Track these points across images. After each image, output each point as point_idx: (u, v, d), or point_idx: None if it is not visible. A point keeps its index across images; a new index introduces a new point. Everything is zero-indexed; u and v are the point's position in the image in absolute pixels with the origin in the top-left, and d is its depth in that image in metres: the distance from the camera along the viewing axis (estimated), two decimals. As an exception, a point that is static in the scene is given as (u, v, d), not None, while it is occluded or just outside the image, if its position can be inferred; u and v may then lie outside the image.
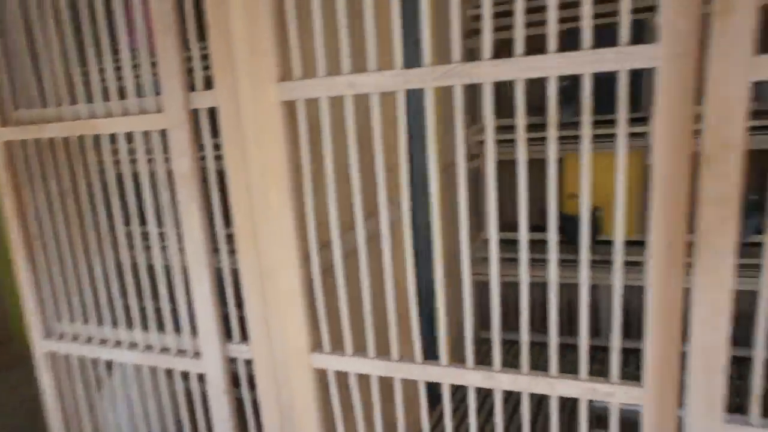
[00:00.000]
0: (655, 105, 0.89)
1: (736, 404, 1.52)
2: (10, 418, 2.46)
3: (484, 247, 2.31)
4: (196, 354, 1.42)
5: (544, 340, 1.07)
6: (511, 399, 2.01)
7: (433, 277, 1.14)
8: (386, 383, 1.28)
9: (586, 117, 0.95)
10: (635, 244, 1.84)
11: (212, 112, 1.25)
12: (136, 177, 1.40)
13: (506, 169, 1.94)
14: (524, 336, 1.09)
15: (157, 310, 1.48)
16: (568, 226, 1.98)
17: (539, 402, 1.99)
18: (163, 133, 1.31)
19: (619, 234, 0.98)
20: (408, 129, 1.28)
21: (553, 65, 0.93)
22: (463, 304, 1.13)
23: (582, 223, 1.00)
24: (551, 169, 1.00)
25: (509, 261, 2.09)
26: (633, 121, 1.88)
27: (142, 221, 1.41)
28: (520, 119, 0.98)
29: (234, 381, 1.42)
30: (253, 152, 1.19)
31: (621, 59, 0.89)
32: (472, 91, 2.10)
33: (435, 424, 1.80)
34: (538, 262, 1.99)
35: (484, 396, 2.00)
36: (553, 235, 1.03)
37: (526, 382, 1.09)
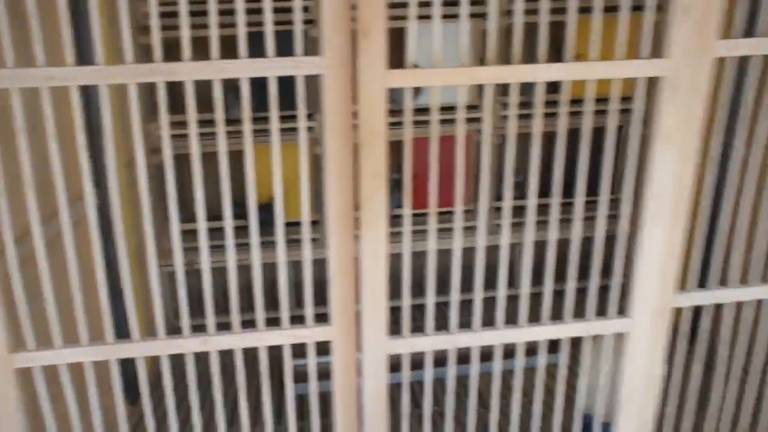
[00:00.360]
0: (323, 104, 1.16)
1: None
2: None
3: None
4: None
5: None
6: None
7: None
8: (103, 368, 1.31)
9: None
10: (315, 223, 2.17)
11: None
12: None
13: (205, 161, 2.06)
14: (234, 309, 1.26)
15: None
16: (262, 214, 2.21)
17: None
18: None
19: (304, 215, 1.23)
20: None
21: (245, 68, 1.12)
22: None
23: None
24: (248, 160, 1.20)
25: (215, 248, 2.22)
26: (305, 117, 2.20)
27: None
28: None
29: None
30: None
31: (297, 67, 1.13)
32: (150, 89, 2.15)
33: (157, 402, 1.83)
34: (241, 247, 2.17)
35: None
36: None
37: (239, 339, 1.27)
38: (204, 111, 1.25)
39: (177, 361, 1.28)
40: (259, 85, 1.17)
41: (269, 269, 2.74)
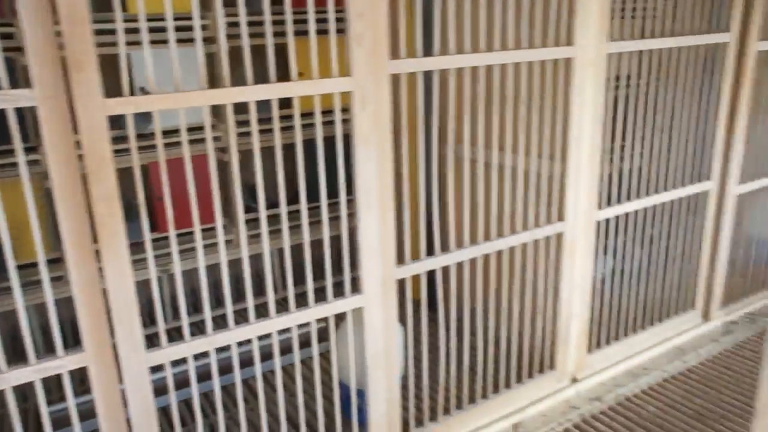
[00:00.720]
0: (43, 136, 1.18)
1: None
2: None
3: None
4: None
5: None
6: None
7: None
8: None
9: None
10: (56, 261, 2.07)
11: None
12: None
13: None
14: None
15: None
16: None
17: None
18: None
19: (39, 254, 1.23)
20: None
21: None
22: None
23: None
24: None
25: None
26: (29, 150, 2.09)
27: None
28: None
29: None
30: None
31: (4, 100, 1.13)
32: None
33: None
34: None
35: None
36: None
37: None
38: None
39: None
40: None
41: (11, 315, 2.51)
